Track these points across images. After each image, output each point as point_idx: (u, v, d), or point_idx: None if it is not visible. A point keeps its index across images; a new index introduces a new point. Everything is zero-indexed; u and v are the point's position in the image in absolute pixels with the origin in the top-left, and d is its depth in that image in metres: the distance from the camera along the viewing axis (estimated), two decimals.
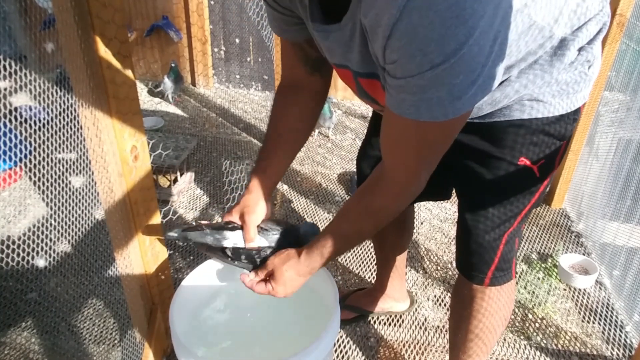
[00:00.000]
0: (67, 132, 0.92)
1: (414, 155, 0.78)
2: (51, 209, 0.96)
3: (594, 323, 1.67)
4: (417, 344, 1.57)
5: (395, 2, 0.59)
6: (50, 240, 1.00)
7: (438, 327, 1.64)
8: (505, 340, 1.59)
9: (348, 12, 0.70)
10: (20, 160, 2.00)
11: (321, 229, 0.95)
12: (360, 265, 1.90)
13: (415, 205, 2.26)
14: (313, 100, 1.04)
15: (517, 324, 1.65)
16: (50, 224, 1.01)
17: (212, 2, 3.21)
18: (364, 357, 1.52)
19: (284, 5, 0.85)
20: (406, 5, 0.58)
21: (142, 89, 3.42)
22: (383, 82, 0.73)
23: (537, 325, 1.65)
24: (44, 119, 0.93)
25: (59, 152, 0.91)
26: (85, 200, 1.02)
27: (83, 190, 1.00)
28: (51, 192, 0.92)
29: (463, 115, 0.69)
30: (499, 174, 0.94)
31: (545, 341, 1.59)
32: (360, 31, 0.70)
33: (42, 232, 0.98)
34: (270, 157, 1.03)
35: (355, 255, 1.95)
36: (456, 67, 0.61)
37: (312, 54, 0.94)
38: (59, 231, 0.99)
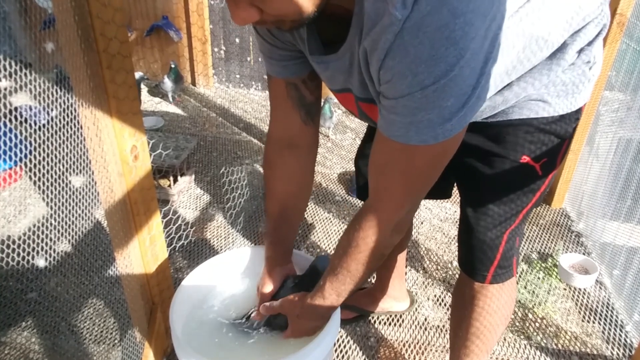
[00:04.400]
0: (67, 132, 0.92)
1: (401, 183, 0.77)
2: (51, 208, 0.96)
3: (594, 323, 1.67)
4: (417, 344, 1.57)
5: (392, 27, 0.60)
6: (50, 240, 1.00)
7: (438, 327, 1.64)
8: (505, 340, 1.59)
9: (345, 42, 0.71)
10: (20, 160, 2.00)
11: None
12: None
13: None
14: (308, 159, 1.04)
15: (517, 324, 1.65)
16: (50, 224, 1.01)
17: (212, 2, 3.21)
18: (364, 357, 1.52)
19: (285, 40, 0.86)
20: (401, 29, 0.59)
21: (142, 89, 3.41)
22: (379, 106, 0.74)
23: (537, 325, 1.65)
24: (44, 118, 0.93)
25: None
26: (85, 200, 1.02)
27: (83, 190, 1.00)
28: (51, 192, 0.92)
29: (453, 139, 0.69)
30: (501, 171, 0.94)
31: (545, 341, 1.59)
32: (358, 60, 0.71)
33: (42, 232, 0.98)
34: (278, 230, 1.08)
35: None
36: (447, 89, 0.61)
37: (308, 97, 0.94)
38: (59, 231, 0.99)
